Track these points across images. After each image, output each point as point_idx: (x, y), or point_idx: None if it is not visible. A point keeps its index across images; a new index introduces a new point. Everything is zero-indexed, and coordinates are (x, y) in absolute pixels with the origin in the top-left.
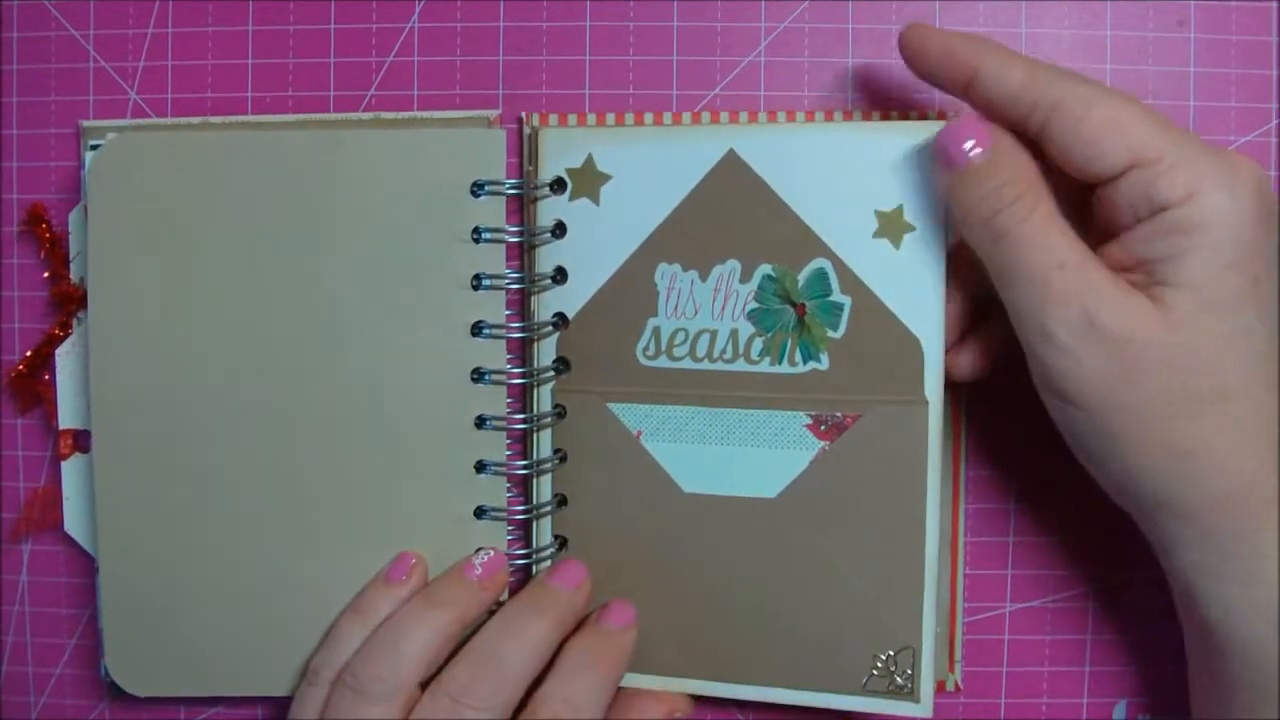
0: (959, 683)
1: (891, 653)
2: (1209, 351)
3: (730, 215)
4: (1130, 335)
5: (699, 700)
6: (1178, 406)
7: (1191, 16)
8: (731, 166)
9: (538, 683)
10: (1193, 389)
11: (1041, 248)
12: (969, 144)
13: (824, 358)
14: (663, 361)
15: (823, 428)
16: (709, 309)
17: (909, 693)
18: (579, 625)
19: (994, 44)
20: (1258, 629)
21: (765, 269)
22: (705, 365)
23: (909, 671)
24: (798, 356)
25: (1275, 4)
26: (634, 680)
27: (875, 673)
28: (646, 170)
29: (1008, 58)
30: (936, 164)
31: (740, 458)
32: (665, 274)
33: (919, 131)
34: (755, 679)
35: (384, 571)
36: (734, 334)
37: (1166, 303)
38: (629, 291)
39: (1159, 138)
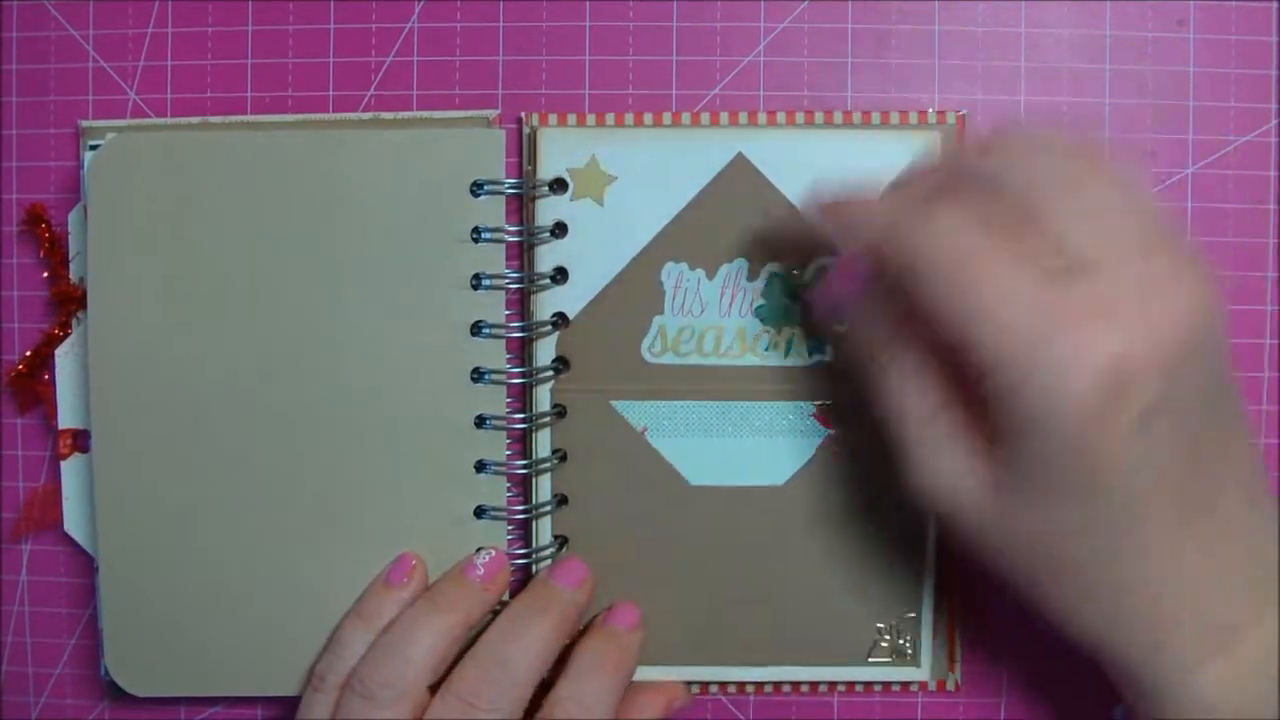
0: (959, 682)
1: (894, 622)
2: (1035, 531)
3: (738, 216)
4: (953, 499)
5: (698, 700)
6: (1025, 569)
7: (1191, 16)
8: (740, 169)
9: (547, 683)
10: (1033, 558)
11: (896, 400)
12: (852, 283)
13: (829, 350)
14: (669, 358)
15: (829, 416)
16: (716, 306)
17: (912, 658)
18: (586, 627)
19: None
20: None
21: (772, 266)
22: (712, 360)
23: (909, 637)
24: (804, 349)
25: (1275, 4)
26: (644, 672)
27: (883, 643)
28: (653, 172)
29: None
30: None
31: (748, 449)
32: (672, 273)
33: (919, 137)
34: (760, 660)
35: (384, 574)
36: (741, 330)
37: (998, 481)
38: (634, 290)
39: (1005, 339)
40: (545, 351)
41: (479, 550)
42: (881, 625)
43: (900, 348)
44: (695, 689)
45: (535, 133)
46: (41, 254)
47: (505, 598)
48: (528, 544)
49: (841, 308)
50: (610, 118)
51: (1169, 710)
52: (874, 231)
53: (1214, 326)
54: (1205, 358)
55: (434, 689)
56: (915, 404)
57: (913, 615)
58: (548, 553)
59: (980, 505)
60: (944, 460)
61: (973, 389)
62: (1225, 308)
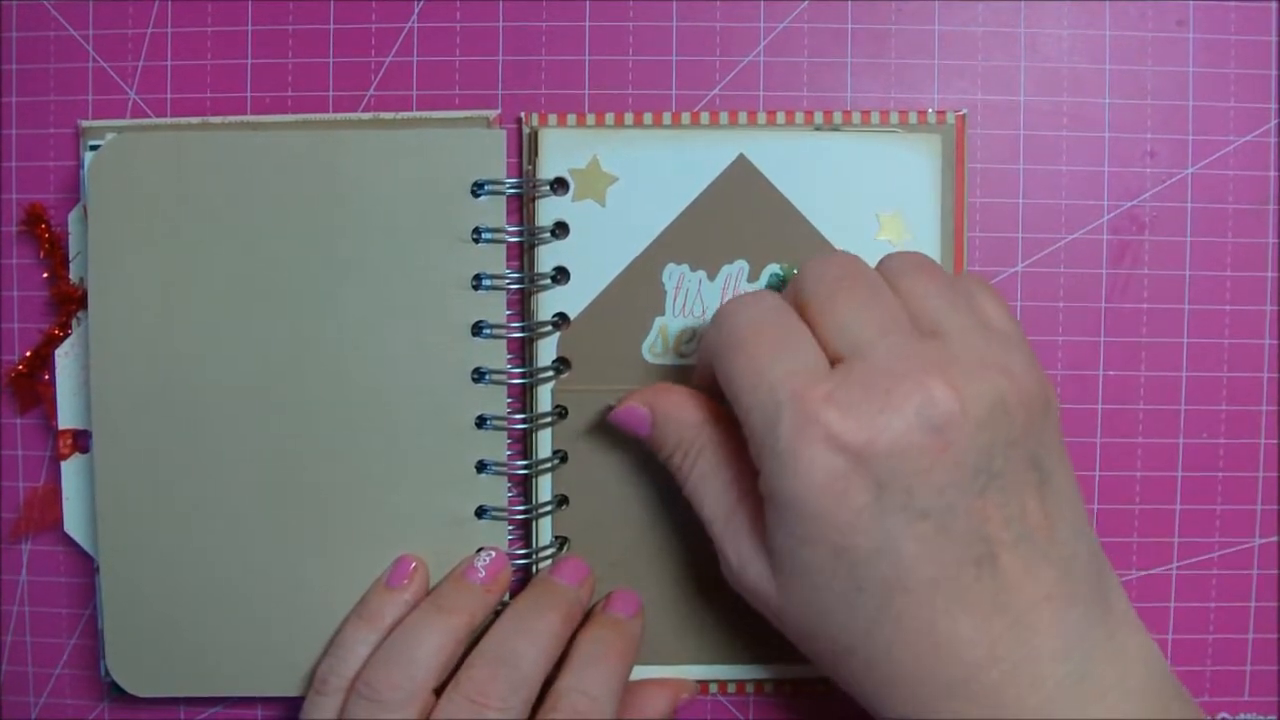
0: None
1: None
2: (812, 617)
3: (739, 217)
4: (754, 590)
5: (698, 700)
6: (818, 652)
7: (1191, 16)
8: (741, 170)
9: (549, 679)
10: (819, 639)
11: (699, 503)
12: (637, 425)
13: None
14: (670, 359)
15: None
16: (717, 307)
17: None
18: (586, 617)
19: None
20: None
21: (772, 267)
22: None
23: None
24: None
25: (1275, 4)
26: (647, 671)
27: None
28: (654, 173)
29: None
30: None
31: None
32: (673, 274)
33: (918, 141)
34: (760, 659)
35: (385, 577)
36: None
37: (773, 568)
38: (635, 291)
39: (751, 403)
40: (546, 352)
41: (479, 551)
42: None
43: (696, 453)
44: (695, 688)
45: (536, 133)
46: (41, 254)
47: (506, 598)
48: (528, 544)
49: (640, 429)
50: (610, 118)
51: None
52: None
53: (970, 427)
54: (961, 455)
55: (439, 692)
56: (714, 503)
57: None
58: (548, 553)
59: (769, 595)
60: (743, 553)
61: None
62: (1007, 393)
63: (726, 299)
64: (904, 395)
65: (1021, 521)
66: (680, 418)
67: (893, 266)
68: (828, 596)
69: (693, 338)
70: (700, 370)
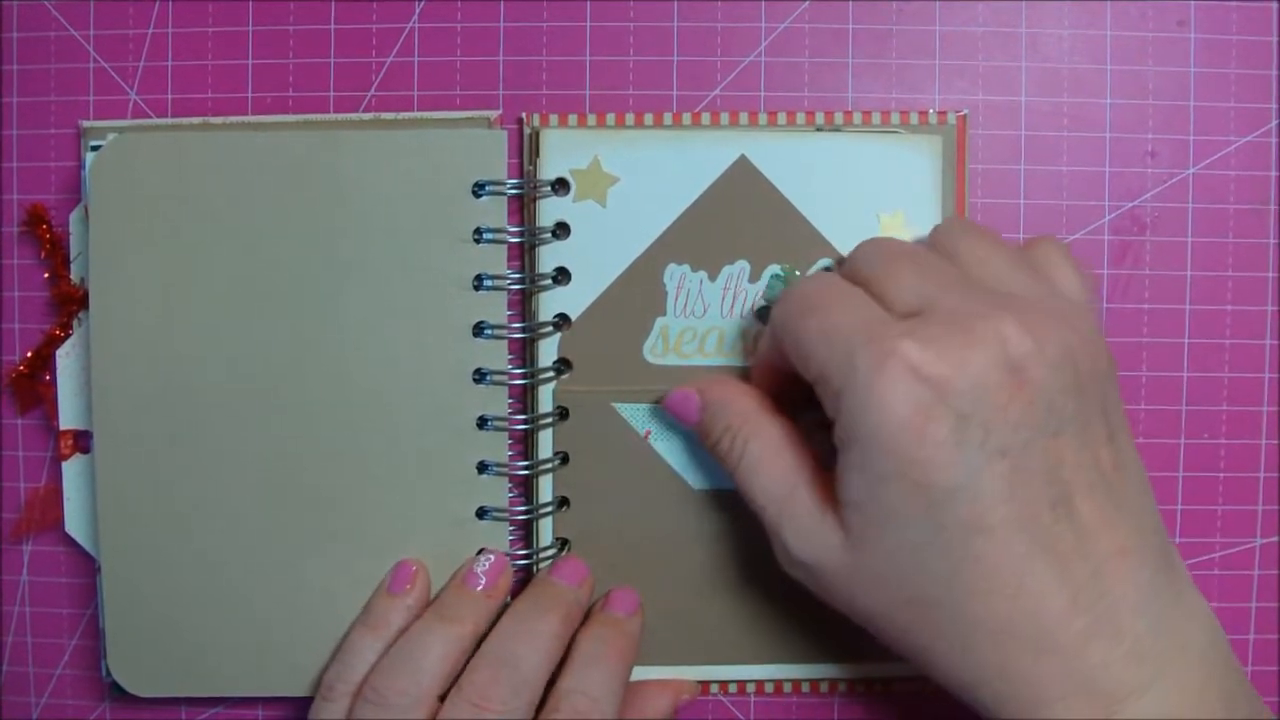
0: None
1: None
2: (891, 566)
3: (740, 218)
4: (818, 563)
5: (698, 700)
6: (885, 617)
7: (1191, 16)
8: (742, 171)
9: (550, 679)
10: (891, 600)
11: (750, 489)
12: (686, 411)
13: None
14: (671, 360)
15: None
16: (718, 308)
17: None
18: (585, 617)
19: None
20: None
21: (773, 268)
22: (715, 361)
23: None
24: None
25: (1275, 4)
26: (647, 672)
27: None
28: (656, 173)
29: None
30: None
31: None
32: (674, 274)
33: (919, 141)
34: (760, 658)
35: (386, 583)
36: (743, 332)
37: (848, 524)
38: (636, 291)
39: (827, 356)
40: (547, 352)
41: (480, 553)
42: None
43: (745, 440)
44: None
45: (537, 133)
46: (42, 255)
47: (507, 598)
48: (529, 545)
49: (690, 417)
50: (611, 118)
51: None
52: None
53: (1044, 368)
54: (1037, 394)
55: (443, 698)
56: (769, 487)
57: None
58: (549, 554)
59: (839, 564)
60: (804, 533)
61: (819, 461)
62: (1083, 359)
63: (727, 299)
64: (981, 333)
65: (1094, 469)
66: (730, 404)
67: (948, 231)
68: (907, 541)
69: (757, 335)
70: (760, 362)
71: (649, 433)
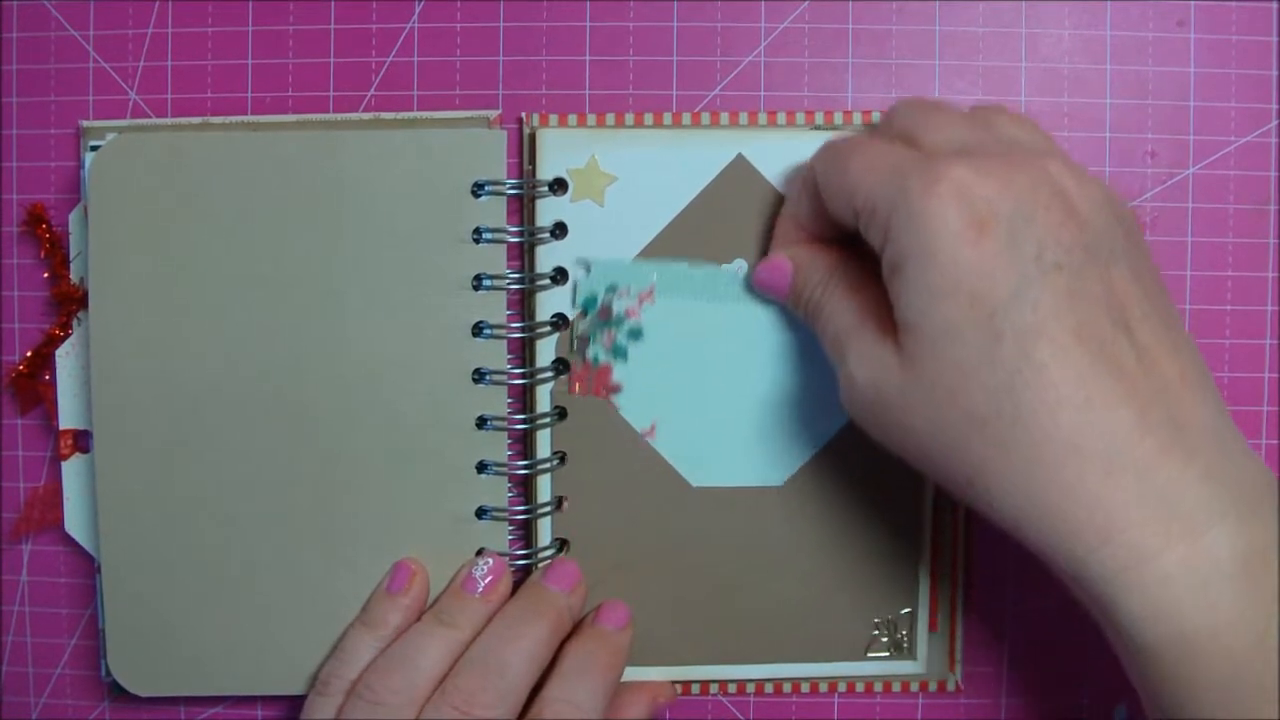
0: (959, 683)
1: (891, 617)
2: (947, 382)
3: (738, 217)
4: (877, 384)
5: (698, 700)
6: (943, 439)
7: (1191, 16)
8: (740, 170)
9: (537, 683)
10: (947, 420)
11: (828, 323)
12: (773, 288)
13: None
14: None
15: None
16: None
17: (909, 652)
18: (576, 627)
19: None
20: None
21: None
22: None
23: (905, 632)
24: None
25: (1275, 4)
26: (641, 673)
27: (882, 639)
28: (653, 172)
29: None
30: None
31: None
32: None
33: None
34: (760, 658)
35: (385, 583)
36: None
37: (902, 345)
38: None
39: (874, 184)
40: (546, 352)
41: (479, 554)
42: (879, 621)
43: (827, 284)
44: (696, 688)
45: (535, 133)
46: (42, 254)
47: None
48: (528, 545)
49: (782, 290)
50: (610, 118)
51: (1121, 615)
52: (805, 172)
53: (1088, 204)
54: (1086, 222)
55: None
56: (842, 319)
57: (909, 610)
58: (548, 554)
59: (896, 384)
60: (867, 357)
61: (884, 292)
62: (1121, 210)
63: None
64: (1027, 163)
65: (1148, 303)
66: (813, 259)
67: (986, 109)
68: (964, 355)
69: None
70: (787, 221)
71: (649, 429)
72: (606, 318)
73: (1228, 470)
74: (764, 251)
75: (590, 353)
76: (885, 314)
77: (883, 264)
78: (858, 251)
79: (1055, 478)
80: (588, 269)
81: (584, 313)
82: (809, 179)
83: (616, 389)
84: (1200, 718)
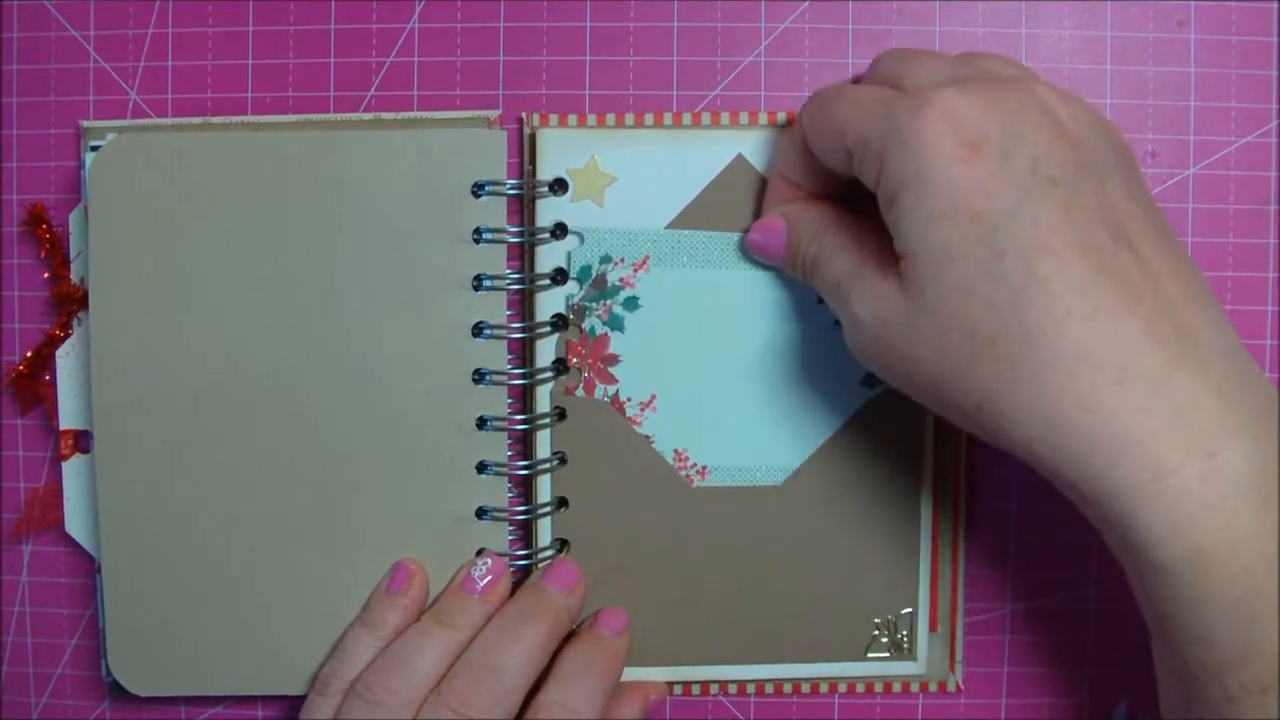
0: (959, 683)
1: (890, 617)
2: (951, 305)
3: (738, 217)
4: (881, 318)
5: (698, 700)
6: (950, 365)
7: (1191, 17)
8: (740, 170)
9: (535, 685)
10: (953, 345)
11: (825, 272)
12: (768, 250)
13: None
14: None
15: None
16: None
17: (909, 652)
18: (574, 631)
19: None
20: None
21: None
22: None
23: (905, 633)
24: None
25: (1275, 4)
26: (641, 673)
27: (884, 638)
28: (653, 172)
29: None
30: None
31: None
32: None
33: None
34: (760, 658)
35: (384, 583)
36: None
37: (903, 275)
38: None
39: (864, 119)
40: (546, 353)
41: (479, 555)
42: (879, 621)
43: (821, 235)
44: (696, 689)
45: (535, 133)
46: (42, 254)
47: None
48: (528, 545)
49: (777, 255)
50: (610, 118)
51: (1139, 533)
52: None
53: (1077, 123)
54: (1077, 139)
55: None
56: (841, 266)
57: (909, 610)
58: (548, 554)
59: (900, 314)
60: (869, 295)
61: (881, 235)
62: (1112, 138)
63: None
64: (1015, 85)
65: (1146, 219)
66: (805, 214)
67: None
68: (967, 275)
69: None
70: (777, 175)
71: (651, 437)
72: (602, 287)
73: (1239, 387)
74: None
75: (587, 324)
76: (884, 252)
77: (879, 198)
78: (850, 203)
79: (1067, 392)
80: (581, 239)
81: (579, 283)
82: (796, 133)
83: (614, 360)
84: (1209, 640)
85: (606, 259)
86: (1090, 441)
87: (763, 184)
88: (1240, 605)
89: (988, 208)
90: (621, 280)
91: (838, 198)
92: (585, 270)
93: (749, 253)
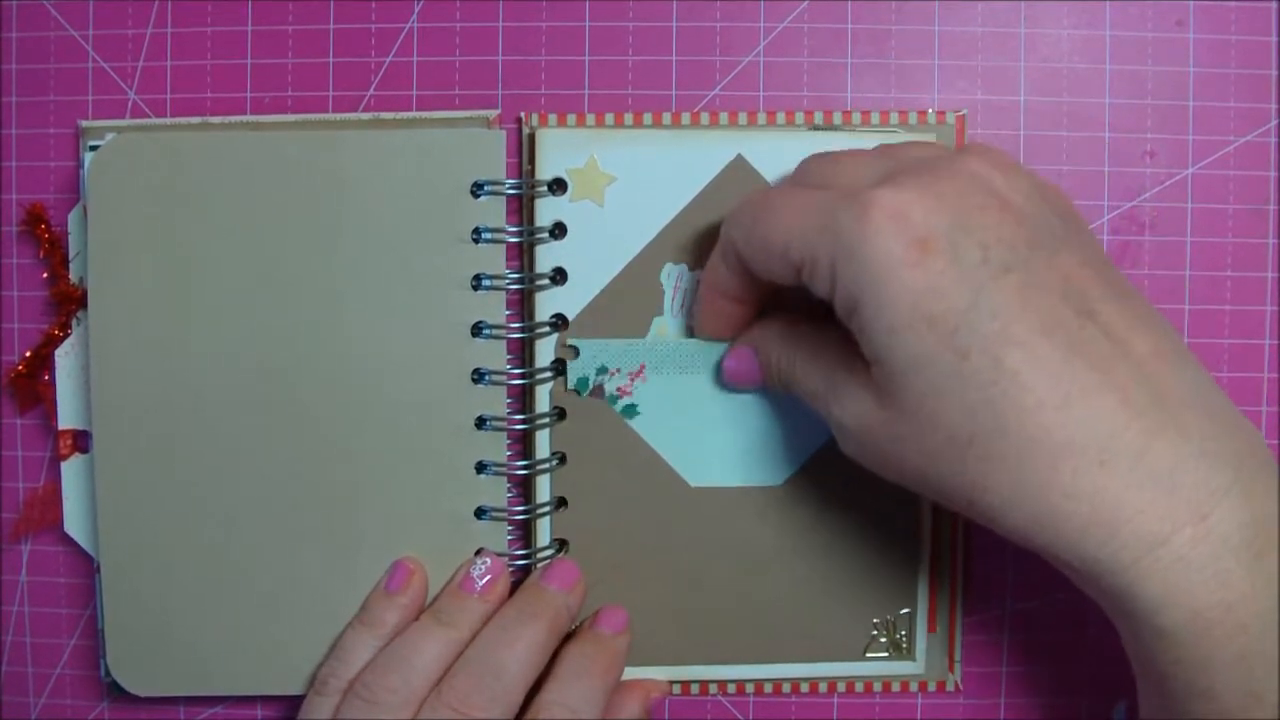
0: (959, 683)
1: (889, 617)
2: (926, 410)
3: None
4: (863, 426)
5: (698, 700)
6: (935, 466)
7: (1191, 16)
8: (739, 170)
9: (536, 684)
10: (935, 447)
11: (802, 386)
12: (745, 376)
13: None
14: None
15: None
16: None
17: (908, 652)
18: (574, 630)
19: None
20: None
21: None
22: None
23: (904, 633)
24: None
25: (1275, 4)
26: (641, 673)
27: (883, 638)
28: (652, 172)
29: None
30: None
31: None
32: (671, 273)
33: (918, 138)
34: (759, 658)
35: (384, 582)
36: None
37: (876, 382)
38: (634, 291)
39: (806, 230)
40: (545, 352)
41: (478, 555)
42: (878, 621)
43: (791, 354)
44: (695, 688)
45: (535, 133)
46: (41, 254)
47: None
48: (528, 545)
49: (753, 381)
50: (610, 118)
51: (1140, 603)
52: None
53: (1019, 195)
54: (1023, 214)
55: None
56: (815, 380)
57: (908, 611)
58: (547, 554)
59: (878, 422)
60: (848, 403)
61: (845, 337)
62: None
63: None
64: (949, 168)
65: (1105, 283)
66: (766, 333)
67: (896, 148)
68: (934, 379)
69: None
70: (711, 291)
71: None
72: (600, 398)
73: (1222, 441)
74: None
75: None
76: (853, 356)
77: (837, 308)
78: (800, 303)
79: (1051, 480)
80: (576, 353)
81: (578, 394)
82: (726, 247)
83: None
84: (1210, 694)
85: (603, 370)
86: (1081, 525)
87: (763, 185)
88: (1240, 660)
89: (945, 308)
90: (619, 390)
91: (781, 301)
92: (583, 381)
93: (729, 383)
